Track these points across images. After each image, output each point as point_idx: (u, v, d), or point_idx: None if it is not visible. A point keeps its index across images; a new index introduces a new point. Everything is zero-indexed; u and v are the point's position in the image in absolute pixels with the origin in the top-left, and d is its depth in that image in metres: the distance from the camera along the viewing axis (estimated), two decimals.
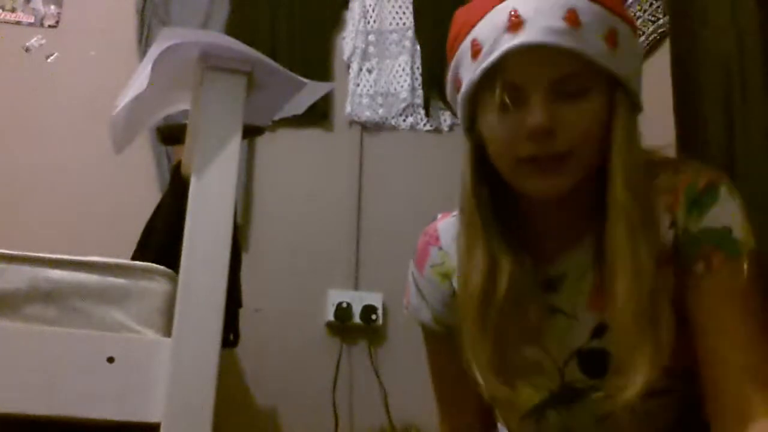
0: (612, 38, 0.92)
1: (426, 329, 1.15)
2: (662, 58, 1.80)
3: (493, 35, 0.92)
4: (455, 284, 1.06)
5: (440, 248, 1.12)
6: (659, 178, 0.97)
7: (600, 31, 0.91)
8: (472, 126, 0.99)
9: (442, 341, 1.12)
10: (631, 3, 2.07)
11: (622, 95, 0.94)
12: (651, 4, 1.97)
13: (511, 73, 0.91)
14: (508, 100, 0.91)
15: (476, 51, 0.93)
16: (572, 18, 0.90)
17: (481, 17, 0.94)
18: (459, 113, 1.02)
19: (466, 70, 0.96)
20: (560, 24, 0.89)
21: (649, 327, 0.88)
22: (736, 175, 1.42)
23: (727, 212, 0.93)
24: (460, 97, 0.99)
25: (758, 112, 1.42)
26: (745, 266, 0.90)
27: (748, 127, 1.44)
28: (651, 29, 1.95)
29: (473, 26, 0.95)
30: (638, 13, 2.03)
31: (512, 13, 0.90)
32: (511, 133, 0.92)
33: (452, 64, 1.01)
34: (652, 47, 1.95)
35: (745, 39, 1.47)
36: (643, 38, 1.98)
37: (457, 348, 1.02)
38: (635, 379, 0.87)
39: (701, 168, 0.98)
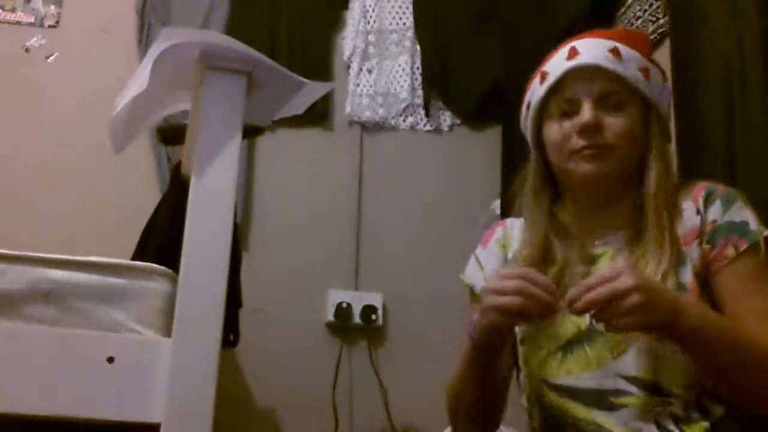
0: (646, 73, 1.24)
1: (474, 292, 1.37)
2: (662, 58, 1.79)
3: (556, 64, 1.25)
4: (510, 255, 1.35)
5: (505, 227, 1.40)
6: (683, 188, 1.26)
7: (637, 66, 1.24)
8: (538, 141, 1.30)
9: None
10: (631, 3, 2.06)
11: (655, 116, 1.25)
12: (651, 4, 1.97)
13: (568, 90, 1.24)
14: (566, 108, 1.24)
15: (544, 77, 1.27)
16: (615, 53, 1.23)
17: (551, 58, 1.28)
18: (528, 132, 1.32)
19: (536, 93, 1.28)
20: (606, 55, 1.23)
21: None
22: (736, 175, 1.42)
23: (742, 210, 1.20)
24: (529, 115, 1.30)
25: (758, 112, 1.42)
26: (763, 249, 1.17)
27: (748, 127, 1.44)
28: (651, 29, 1.95)
29: (545, 64, 1.28)
30: (638, 13, 2.02)
31: (571, 48, 1.25)
32: (568, 131, 1.23)
33: (526, 98, 1.32)
34: (652, 47, 1.95)
35: (745, 39, 1.47)
36: None
37: None
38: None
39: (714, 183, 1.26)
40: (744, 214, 1.19)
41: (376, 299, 2.50)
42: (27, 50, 2.63)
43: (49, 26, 2.67)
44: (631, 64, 1.23)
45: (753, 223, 1.18)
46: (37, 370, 1.18)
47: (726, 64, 1.52)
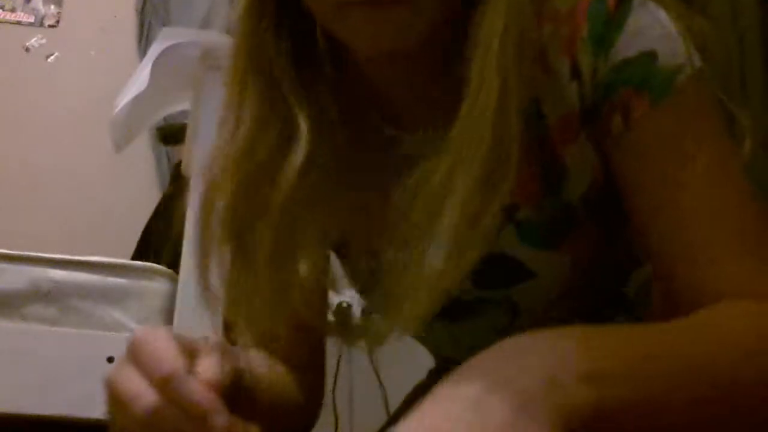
0: None
1: None
2: None
3: None
4: None
5: None
6: (550, 23, 0.62)
7: None
8: None
9: None
10: None
11: None
12: None
13: None
14: None
15: None
16: None
17: None
18: None
19: None
20: None
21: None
22: None
23: (645, 28, 0.60)
24: None
25: (758, 112, 1.42)
26: (684, 103, 0.61)
27: None
28: None
29: None
30: None
31: None
32: None
33: None
34: None
35: (746, 37, 1.47)
36: None
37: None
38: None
39: None
40: (646, 34, 0.60)
41: None
42: (27, 50, 2.63)
43: (49, 26, 2.67)
44: None
45: (667, 50, 0.60)
46: (37, 369, 1.18)
47: (726, 63, 1.52)
